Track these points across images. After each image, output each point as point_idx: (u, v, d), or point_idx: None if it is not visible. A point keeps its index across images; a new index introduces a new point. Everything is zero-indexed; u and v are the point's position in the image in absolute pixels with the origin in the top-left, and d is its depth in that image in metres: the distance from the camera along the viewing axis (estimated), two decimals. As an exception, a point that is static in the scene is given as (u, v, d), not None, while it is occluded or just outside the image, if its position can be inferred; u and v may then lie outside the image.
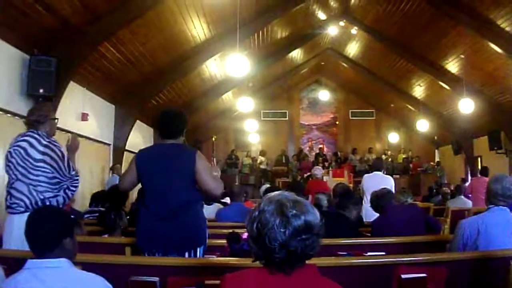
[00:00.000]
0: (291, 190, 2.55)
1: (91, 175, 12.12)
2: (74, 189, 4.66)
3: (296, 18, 15.77)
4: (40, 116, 4.55)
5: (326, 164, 21.83)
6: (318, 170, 11.92)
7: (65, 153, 4.66)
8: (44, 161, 4.40)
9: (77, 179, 4.68)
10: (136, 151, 4.48)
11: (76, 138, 4.96)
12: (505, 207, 4.02)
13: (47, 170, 4.42)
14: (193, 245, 4.12)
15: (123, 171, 13.06)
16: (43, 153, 4.41)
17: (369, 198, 8.88)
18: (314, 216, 2.11)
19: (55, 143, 4.57)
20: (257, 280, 2.11)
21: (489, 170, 11.61)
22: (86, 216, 7.38)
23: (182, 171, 4.12)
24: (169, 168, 4.11)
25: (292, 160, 22.89)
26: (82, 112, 11.44)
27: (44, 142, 4.47)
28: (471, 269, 3.76)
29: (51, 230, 2.59)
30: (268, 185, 11.36)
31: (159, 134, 4.43)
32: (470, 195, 11.48)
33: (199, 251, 4.15)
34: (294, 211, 2.06)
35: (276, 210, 2.07)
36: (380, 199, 5.63)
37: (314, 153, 23.54)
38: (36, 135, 4.46)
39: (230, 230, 4.66)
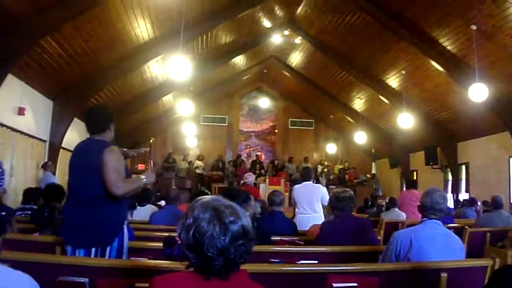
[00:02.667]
0: (229, 197, 2.44)
1: (25, 171, 11.71)
2: (1, 183, 4.43)
3: (241, 24, 15.68)
4: None
5: (263, 171, 21.80)
6: (250, 177, 11.95)
7: None
8: None
9: (4, 174, 4.45)
10: (72, 149, 4.38)
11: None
12: (438, 221, 4.07)
13: None
14: (101, 243, 4.06)
15: (61, 167, 12.72)
16: None
17: (302, 208, 8.92)
18: (248, 220, 2.10)
19: None
20: (190, 285, 2.05)
21: (418, 184, 11.76)
22: (18, 213, 7.11)
23: (93, 166, 4.08)
24: (82, 163, 4.17)
25: (228, 166, 22.75)
26: (19, 106, 11.02)
27: None
28: (403, 280, 3.76)
29: None
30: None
31: (86, 130, 4.44)
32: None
33: (108, 250, 4.07)
34: (232, 218, 2.03)
35: (214, 217, 2.02)
36: (340, 200, 5.52)
37: (251, 160, 23.44)
38: None
39: (165, 234, 4.56)
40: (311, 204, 8.94)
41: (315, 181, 9.73)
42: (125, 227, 4.24)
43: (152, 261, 3.77)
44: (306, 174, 9.64)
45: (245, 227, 2.06)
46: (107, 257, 4.02)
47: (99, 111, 4.49)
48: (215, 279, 2.02)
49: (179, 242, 2.16)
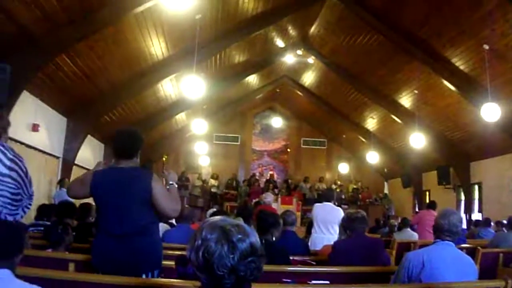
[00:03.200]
0: (239, 215, 2.46)
1: (38, 187, 11.70)
2: (29, 207, 4.39)
3: (255, 43, 15.79)
4: (2, 126, 4.21)
5: (276, 190, 21.79)
6: (269, 197, 11.84)
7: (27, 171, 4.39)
8: (10, 177, 4.08)
9: (32, 199, 4.42)
10: (86, 166, 4.43)
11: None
12: (451, 242, 4.05)
13: (13, 186, 4.11)
14: (150, 268, 4.06)
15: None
16: (10, 168, 4.07)
17: (319, 227, 8.89)
18: (256, 238, 2.10)
19: (20, 158, 4.26)
20: None
21: (437, 204, 11.72)
22: (30, 229, 7.13)
23: (138, 194, 4.04)
24: (124, 192, 4.02)
25: (242, 185, 22.77)
26: (33, 123, 11.08)
27: (10, 156, 4.12)
28: (414, 301, 3.72)
29: (4, 248, 2.50)
30: (214, 209, 11.21)
31: (113, 153, 4.30)
32: (416, 227, 11.57)
33: (156, 274, 4.08)
34: (239, 236, 2.03)
35: (221, 236, 2.02)
36: (353, 221, 5.53)
37: (264, 179, 23.45)
38: (1, 147, 4.12)
39: (177, 252, 4.71)
40: (329, 226, 8.91)
41: (335, 203, 9.69)
42: None
43: (165, 279, 3.79)
44: (329, 195, 9.64)
45: (254, 245, 2.06)
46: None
47: (134, 135, 4.33)
48: None
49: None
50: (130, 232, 3.98)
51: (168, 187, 4.36)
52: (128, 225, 3.99)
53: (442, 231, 4.08)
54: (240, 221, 2.19)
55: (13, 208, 4.06)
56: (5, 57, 8.78)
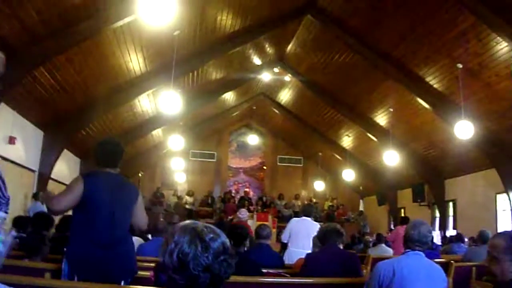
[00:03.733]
0: (232, 234, 2.48)
1: (14, 200, 11.49)
2: (6, 214, 4.35)
3: (232, 61, 15.86)
4: None
5: (251, 208, 21.80)
6: (243, 213, 11.86)
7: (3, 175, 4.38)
8: None
9: (9, 204, 4.39)
10: (62, 180, 4.41)
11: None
12: (420, 252, 4.14)
13: None
14: (131, 274, 4.16)
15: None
16: None
17: (296, 242, 8.92)
18: (225, 238, 2.14)
19: None
20: None
21: (410, 220, 11.82)
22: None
23: (128, 203, 4.20)
24: (116, 200, 4.10)
25: (217, 202, 22.74)
26: (10, 136, 10.98)
27: None
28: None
29: None
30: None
31: (99, 162, 4.32)
32: (391, 244, 11.66)
33: (128, 281, 4.17)
34: (211, 235, 2.08)
35: (194, 237, 2.06)
36: (328, 234, 5.56)
37: (239, 196, 23.46)
38: None
39: (152, 264, 4.78)
40: (307, 241, 8.95)
41: (313, 219, 9.75)
42: None
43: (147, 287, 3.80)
44: (308, 210, 9.68)
45: (225, 244, 2.11)
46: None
47: (119, 144, 4.46)
48: None
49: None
50: (117, 240, 4.05)
51: None
52: (116, 233, 4.06)
53: (412, 241, 4.18)
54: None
55: None
56: (-18, 69, 8.73)
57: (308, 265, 5.40)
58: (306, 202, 22.37)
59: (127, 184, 4.32)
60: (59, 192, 4.31)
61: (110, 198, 4.07)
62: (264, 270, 5.53)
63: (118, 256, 4.01)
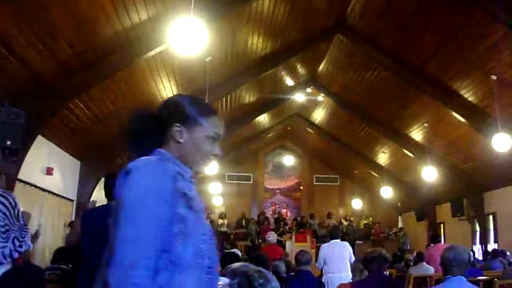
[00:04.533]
0: (255, 263, 2.51)
1: (53, 230, 11.77)
2: (22, 239, 4.45)
3: (264, 83, 15.98)
4: None
5: (287, 228, 21.76)
6: (271, 236, 11.88)
7: (19, 203, 4.55)
8: None
9: (27, 230, 4.52)
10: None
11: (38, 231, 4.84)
12: (462, 277, 4.03)
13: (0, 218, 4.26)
14: None
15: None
16: None
17: (331, 267, 8.91)
18: (276, 283, 2.16)
19: (8, 193, 4.48)
20: None
21: (441, 237, 11.65)
22: (47, 272, 7.16)
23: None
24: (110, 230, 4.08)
25: (251, 224, 22.72)
26: (47, 167, 11.20)
27: None
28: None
29: None
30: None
31: (105, 196, 4.55)
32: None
33: None
34: (261, 281, 2.08)
35: (244, 282, 2.07)
36: (373, 260, 5.51)
37: (275, 217, 23.47)
38: None
39: None
40: (342, 263, 8.96)
41: (341, 239, 9.79)
42: None
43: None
44: (335, 232, 9.70)
45: None
46: None
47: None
48: None
49: None
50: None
51: None
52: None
53: (450, 263, 4.07)
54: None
55: (1, 241, 4.19)
56: (20, 103, 8.97)
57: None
58: (339, 221, 22.43)
59: None
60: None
61: (100, 230, 4.11)
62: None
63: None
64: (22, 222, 4.46)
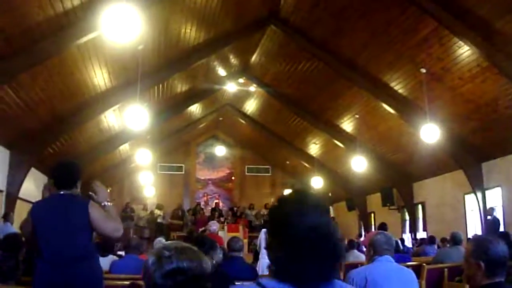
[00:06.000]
0: (197, 244, 2.47)
1: (-17, 222, 11.38)
2: None
3: (197, 73, 15.83)
4: None
5: (222, 219, 21.75)
6: (214, 225, 11.86)
7: None
8: None
9: None
10: (30, 199, 4.45)
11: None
12: (389, 256, 4.18)
13: None
14: None
15: (16, 219, 12.38)
16: None
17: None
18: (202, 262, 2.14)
19: None
20: None
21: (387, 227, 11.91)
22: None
23: (76, 222, 4.12)
24: (62, 220, 4.11)
25: (187, 214, 22.59)
26: (-25, 157, 10.80)
27: None
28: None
29: None
30: (162, 239, 11.08)
31: (54, 184, 4.40)
32: (363, 248, 11.73)
33: None
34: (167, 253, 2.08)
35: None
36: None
37: (209, 208, 23.39)
38: None
39: (126, 282, 4.80)
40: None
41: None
42: None
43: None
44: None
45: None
46: None
47: (72, 167, 4.52)
48: None
49: None
50: (70, 258, 4.03)
51: (105, 208, 4.34)
52: (69, 253, 4.04)
53: (381, 246, 4.22)
54: None
55: None
56: None
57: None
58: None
59: (75, 202, 4.25)
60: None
61: (56, 220, 4.12)
62: (238, 283, 5.50)
63: (75, 278, 3.99)
64: None
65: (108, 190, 17.39)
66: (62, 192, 4.27)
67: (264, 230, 9.82)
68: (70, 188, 4.30)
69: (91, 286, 4.11)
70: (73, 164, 4.62)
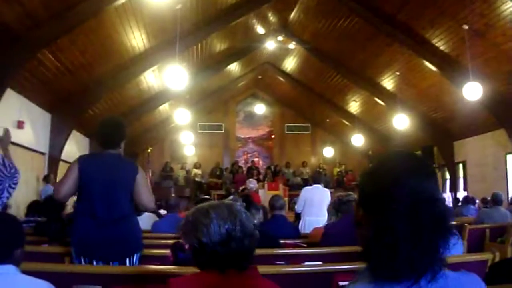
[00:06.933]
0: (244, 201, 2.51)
1: (26, 184, 11.65)
2: (14, 186, 4.47)
3: (235, 31, 15.77)
4: None
5: (260, 177, 21.85)
6: (252, 183, 11.98)
7: (1, 152, 4.51)
8: None
9: (17, 177, 4.48)
10: (72, 161, 4.39)
11: (8, 132, 4.83)
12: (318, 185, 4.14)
13: None
14: (133, 252, 4.19)
15: (57, 180, 12.66)
16: None
17: (310, 210, 8.96)
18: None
19: None
20: (209, 281, 2.12)
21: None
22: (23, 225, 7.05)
23: (124, 182, 4.19)
24: (112, 179, 4.14)
25: (226, 173, 22.79)
26: (18, 120, 11.02)
27: None
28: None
29: (3, 240, 2.49)
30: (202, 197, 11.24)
31: (98, 144, 4.43)
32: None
33: (136, 257, 4.21)
34: (244, 215, 2.22)
35: (232, 214, 2.17)
36: (343, 204, 5.62)
37: (248, 166, 23.52)
38: None
39: (169, 241, 4.64)
40: (320, 208, 9.01)
41: (323, 185, 9.86)
42: None
43: (163, 266, 3.83)
44: (318, 178, 9.75)
45: (253, 224, 2.26)
46: (135, 263, 4.17)
47: (118, 124, 4.51)
48: (230, 271, 2.12)
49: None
50: (116, 219, 4.09)
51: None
52: (116, 211, 4.11)
53: None
54: None
55: None
56: (-13, 55, 8.74)
57: (328, 236, 5.43)
58: (315, 169, 22.53)
59: (124, 162, 4.32)
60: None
61: (106, 177, 4.13)
62: (281, 241, 5.56)
63: (120, 234, 4.08)
64: (12, 171, 4.42)
65: (149, 150, 17.75)
66: (110, 151, 4.29)
67: (306, 187, 9.84)
68: (116, 147, 4.33)
69: (132, 243, 4.20)
70: (118, 121, 4.64)
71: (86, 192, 4.17)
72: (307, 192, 9.43)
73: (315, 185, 9.48)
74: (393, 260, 1.37)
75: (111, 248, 4.03)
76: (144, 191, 4.25)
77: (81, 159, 4.27)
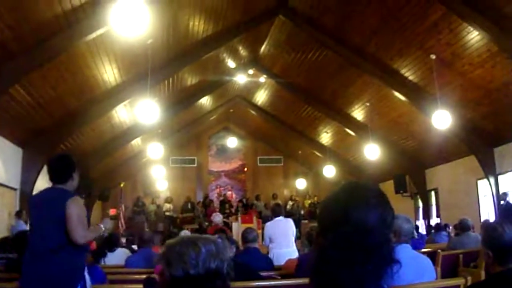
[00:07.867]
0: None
1: (-2, 220, 11.52)
2: None
3: (206, 65, 15.83)
4: None
5: (233, 210, 21.79)
6: (217, 217, 12.07)
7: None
8: None
9: None
10: None
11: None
12: (407, 244, 4.10)
13: None
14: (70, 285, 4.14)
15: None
16: None
17: (276, 243, 8.98)
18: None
19: None
20: None
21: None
22: (-6, 263, 6.94)
23: (55, 217, 4.15)
24: (43, 214, 4.21)
25: (197, 207, 22.65)
26: (-13, 155, 10.89)
27: None
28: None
29: None
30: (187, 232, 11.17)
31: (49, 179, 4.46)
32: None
33: None
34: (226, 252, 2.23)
35: (220, 250, 2.16)
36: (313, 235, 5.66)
37: (220, 200, 23.46)
38: None
39: (142, 276, 4.70)
40: (286, 239, 9.02)
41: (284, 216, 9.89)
42: (86, 274, 4.31)
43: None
44: (277, 210, 9.76)
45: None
46: None
47: (62, 160, 4.50)
48: None
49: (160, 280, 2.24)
50: (43, 250, 4.09)
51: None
52: (44, 244, 4.11)
53: (399, 235, 4.12)
54: None
55: None
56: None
57: (303, 266, 5.44)
58: (285, 202, 22.60)
59: (57, 197, 4.25)
60: None
61: (40, 212, 4.24)
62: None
63: (48, 268, 4.05)
64: None
65: (121, 185, 17.60)
66: (57, 186, 4.34)
67: (268, 223, 9.87)
68: (64, 182, 4.35)
69: (62, 279, 4.10)
70: (65, 156, 4.60)
71: (30, 226, 4.33)
72: (269, 227, 9.43)
73: (276, 218, 9.48)
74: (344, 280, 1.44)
75: (50, 283, 4.03)
76: (73, 226, 4.11)
77: (30, 198, 4.48)
